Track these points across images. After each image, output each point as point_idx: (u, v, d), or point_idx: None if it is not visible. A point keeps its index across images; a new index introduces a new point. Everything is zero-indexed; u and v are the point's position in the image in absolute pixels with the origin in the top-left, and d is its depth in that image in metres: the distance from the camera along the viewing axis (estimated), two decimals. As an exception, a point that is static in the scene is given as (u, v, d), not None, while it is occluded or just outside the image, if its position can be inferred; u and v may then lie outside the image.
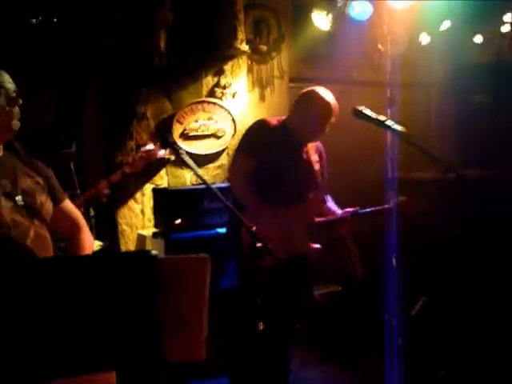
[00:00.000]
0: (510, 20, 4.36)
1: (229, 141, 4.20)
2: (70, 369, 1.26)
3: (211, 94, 4.19)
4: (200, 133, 4.12)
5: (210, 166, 4.19)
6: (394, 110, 3.81)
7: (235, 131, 4.20)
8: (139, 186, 3.96)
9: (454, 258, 3.92)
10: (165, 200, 3.67)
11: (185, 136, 4.05)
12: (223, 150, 4.24)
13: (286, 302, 2.86)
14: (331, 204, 3.07)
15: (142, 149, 3.17)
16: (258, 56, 4.43)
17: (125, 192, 3.87)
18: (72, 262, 1.25)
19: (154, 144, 3.17)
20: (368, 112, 2.51)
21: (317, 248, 2.87)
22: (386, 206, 3.00)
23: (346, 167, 4.56)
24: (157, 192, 3.85)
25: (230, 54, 4.17)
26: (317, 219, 2.94)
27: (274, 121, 2.87)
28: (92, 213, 3.40)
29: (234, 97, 4.27)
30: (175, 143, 1.97)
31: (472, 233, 3.97)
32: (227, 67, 4.23)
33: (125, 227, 3.90)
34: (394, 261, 3.75)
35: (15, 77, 2.08)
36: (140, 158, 2.96)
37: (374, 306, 3.94)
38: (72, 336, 1.24)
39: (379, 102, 3.58)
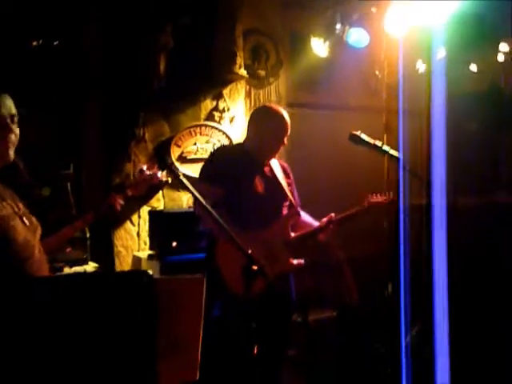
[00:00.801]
0: (505, 49, 4.43)
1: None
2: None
3: (209, 117, 4.23)
4: (198, 156, 4.13)
5: (207, 189, 4.20)
6: (389, 134, 3.86)
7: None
8: (136, 208, 3.96)
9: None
10: (161, 222, 3.67)
11: (183, 159, 4.07)
12: (220, 174, 4.25)
13: (276, 326, 2.83)
14: (307, 217, 3.07)
15: (146, 172, 3.14)
16: (256, 81, 4.48)
17: (122, 214, 3.87)
18: (67, 281, 1.24)
19: (152, 166, 3.17)
20: (364, 137, 2.53)
21: (298, 263, 2.85)
22: (360, 207, 2.99)
23: (342, 191, 4.58)
24: (153, 214, 3.84)
25: (228, 78, 4.22)
26: (294, 234, 2.93)
27: (232, 146, 2.91)
28: (88, 234, 3.40)
29: (231, 121, 4.31)
30: (173, 164, 1.97)
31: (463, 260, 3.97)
32: (226, 91, 4.27)
33: (120, 249, 3.88)
34: (389, 287, 3.76)
35: (14, 98, 2.10)
36: (143, 181, 2.95)
37: (368, 332, 3.93)
38: (65, 356, 1.23)
39: (376, 128, 3.63)
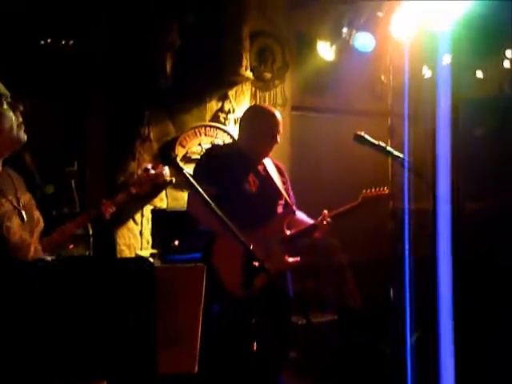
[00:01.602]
0: (511, 56, 4.43)
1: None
2: (60, 373, 1.24)
3: (214, 118, 4.24)
4: (202, 157, 4.14)
5: (211, 189, 4.21)
6: (395, 138, 3.86)
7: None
8: (139, 207, 3.97)
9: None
10: (163, 221, 3.68)
11: (187, 159, 4.08)
12: (224, 174, 4.26)
13: (275, 324, 2.82)
14: (303, 216, 3.07)
15: (151, 170, 3.14)
16: (261, 83, 4.49)
17: (125, 213, 3.88)
18: (68, 265, 1.24)
19: (157, 165, 3.18)
20: (368, 137, 2.53)
21: (294, 261, 2.85)
22: (355, 203, 3.02)
23: (348, 195, 4.57)
24: (156, 213, 3.85)
25: (234, 80, 4.23)
26: (289, 232, 2.92)
27: (224, 145, 2.91)
28: (90, 231, 3.40)
29: (236, 122, 4.31)
30: (176, 159, 1.97)
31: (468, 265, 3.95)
32: (231, 93, 4.29)
33: (123, 247, 3.89)
34: (391, 291, 3.75)
35: (19, 96, 2.10)
36: (147, 180, 2.96)
37: (369, 335, 3.91)
38: (64, 341, 1.23)
39: (381, 132, 3.62)
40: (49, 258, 1.92)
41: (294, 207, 3.06)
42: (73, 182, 3.57)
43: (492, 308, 3.77)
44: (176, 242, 3.56)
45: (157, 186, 3.12)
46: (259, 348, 2.02)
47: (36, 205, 1.96)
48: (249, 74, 4.23)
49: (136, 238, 3.93)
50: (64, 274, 1.20)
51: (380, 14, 3.89)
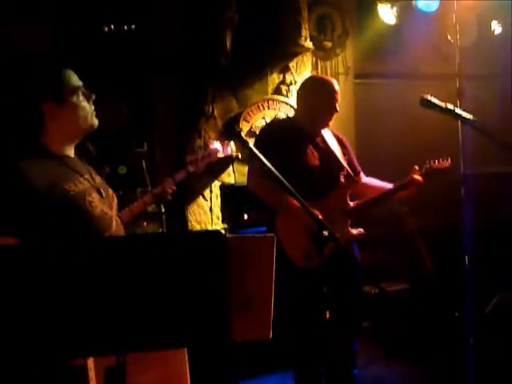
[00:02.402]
0: None
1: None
2: (137, 344, 1.31)
3: (277, 91, 4.24)
4: (266, 130, 4.17)
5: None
6: (463, 101, 3.71)
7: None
8: (208, 183, 4.05)
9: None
10: (232, 196, 3.74)
11: (251, 133, 4.11)
12: (289, 147, 4.27)
13: (346, 293, 2.81)
14: (373, 181, 3.02)
15: (206, 149, 3.20)
16: (322, 53, 4.44)
17: (195, 190, 3.98)
18: (142, 239, 1.31)
19: (221, 142, 3.23)
20: (436, 101, 2.45)
21: (358, 232, 2.81)
22: (427, 169, 2.97)
23: (415, 162, 4.47)
24: (224, 188, 3.92)
25: (294, 51, 4.20)
26: (353, 203, 2.87)
27: (283, 119, 2.87)
28: (163, 210, 3.53)
29: (299, 94, 4.29)
30: (241, 132, 2.00)
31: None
32: (292, 64, 4.26)
33: (194, 224, 4.00)
34: (466, 259, 3.66)
35: (89, 81, 2.17)
36: (202, 158, 3.01)
37: (443, 303, 3.85)
38: (141, 312, 1.29)
39: (448, 96, 3.49)
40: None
41: (362, 175, 3.02)
42: (143, 162, 3.70)
43: None
44: (246, 216, 3.62)
45: (214, 163, 3.17)
46: (332, 316, 2.05)
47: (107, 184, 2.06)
48: (309, 44, 4.19)
49: (206, 214, 4.03)
50: (138, 248, 1.27)
51: (443, -30, 3.73)
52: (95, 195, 1.89)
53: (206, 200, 4.03)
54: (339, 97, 2.88)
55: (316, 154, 2.84)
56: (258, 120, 4.14)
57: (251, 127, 4.12)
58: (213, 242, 1.27)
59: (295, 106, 4.21)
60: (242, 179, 4.12)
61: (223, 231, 1.25)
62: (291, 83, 4.23)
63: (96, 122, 1.95)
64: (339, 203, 2.82)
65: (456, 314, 3.37)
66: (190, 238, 1.30)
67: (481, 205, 3.69)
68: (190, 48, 3.85)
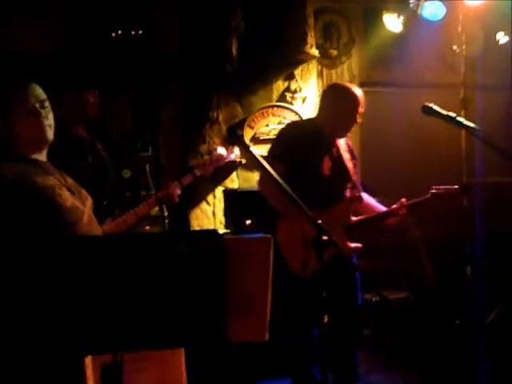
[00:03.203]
0: None
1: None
2: (135, 343, 1.32)
3: (281, 98, 4.25)
4: (271, 137, 4.17)
5: (280, 169, 4.24)
6: (468, 111, 3.72)
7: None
8: (211, 188, 4.07)
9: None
10: (235, 201, 3.75)
11: (255, 140, 4.13)
12: (293, 154, 4.28)
13: (344, 301, 2.81)
14: (370, 200, 3.02)
15: (214, 153, 3.22)
16: (327, 60, 4.45)
17: (198, 194, 4.00)
18: (140, 239, 1.32)
19: (226, 148, 3.25)
20: (437, 108, 2.46)
21: (355, 247, 2.80)
22: (424, 198, 2.92)
23: (418, 171, 4.47)
24: (227, 193, 3.94)
25: (299, 58, 4.22)
26: (355, 218, 2.87)
27: (302, 122, 2.87)
28: (165, 213, 3.55)
29: (303, 101, 4.31)
30: (243, 137, 2.01)
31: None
32: (297, 72, 4.28)
33: (197, 228, 4.01)
34: (468, 269, 3.65)
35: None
36: (210, 162, 3.03)
37: (444, 313, 3.84)
38: (139, 312, 1.31)
39: (453, 105, 3.50)
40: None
41: (360, 192, 3.00)
42: (147, 166, 3.73)
43: None
44: (248, 222, 3.63)
45: (221, 168, 3.19)
46: (332, 324, 2.05)
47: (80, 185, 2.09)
48: (314, 51, 4.20)
49: (209, 219, 4.04)
50: (137, 247, 1.28)
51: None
52: (65, 191, 1.92)
53: (208, 205, 4.05)
54: (363, 108, 2.85)
55: (330, 163, 2.83)
56: (262, 127, 4.16)
57: (255, 133, 4.14)
58: (210, 241, 1.28)
59: (300, 113, 4.25)
60: (246, 185, 4.14)
61: (220, 231, 1.26)
62: (296, 91, 4.25)
63: (50, 136, 1.97)
64: (342, 216, 2.81)
65: (457, 322, 3.36)
66: (187, 237, 1.31)
67: (484, 214, 3.70)
68: (195, 54, 3.88)
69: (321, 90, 4.38)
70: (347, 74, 4.56)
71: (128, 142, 3.89)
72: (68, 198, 1.89)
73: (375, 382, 3.52)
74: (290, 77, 4.26)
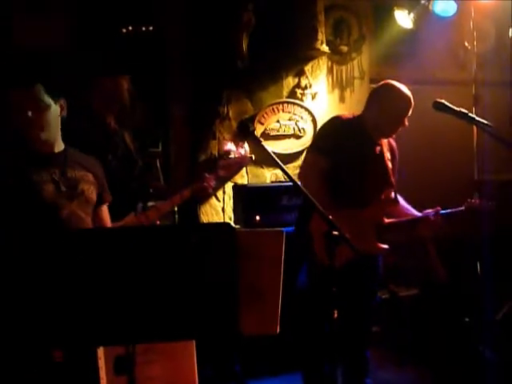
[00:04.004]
0: None
1: (309, 141, 4.24)
2: (147, 335, 1.34)
3: (291, 94, 4.26)
4: (281, 133, 4.20)
5: (290, 165, 4.21)
6: (479, 108, 3.70)
7: (315, 131, 4.23)
8: (221, 184, 4.08)
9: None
10: (244, 197, 3.76)
11: (266, 136, 4.14)
12: (303, 150, 4.27)
13: (360, 298, 2.81)
14: (405, 204, 2.96)
15: (235, 153, 3.13)
16: (338, 57, 4.44)
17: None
18: (154, 231, 1.33)
19: (235, 144, 3.22)
20: (449, 104, 2.46)
21: (384, 248, 2.77)
22: (458, 209, 2.91)
23: (430, 168, 4.46)
24: (237, 189, 3.95)
25: (310, 55, 4.22)
26: (388, 220, 2.83)
27: (348, 117, 2.82)
28: (175, 209, 3.56)
29: (314, 98, 4.31)
30: (254, 131, 2.00)
31: None
32: (307, 68, 4.28)
33: (206, 224, 4.03)
34: (478, 266, 3.64)
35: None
36: (235, 163, 3.01)
37: (453, 309, 3.83)
38: (151, 304, 1.32)
39: (464, 102, 3.48)
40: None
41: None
42: (157, 161, 3.74)
43: None
44: (258, 218, 3.64)
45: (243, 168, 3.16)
46: (343, 321, 2.04)
47: (96, 184, 2.14)
48: (325, 48, 4.20)
49: (219, 215, 4.05)
50: (150, 239, 1.30)
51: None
52: (50, 185, 1.99)
53: (218, 200, 4.06)
54: (411, 111, 2.79)
55: (371, 164, 2.77)
56: (273, 123, 4.17)
57: (265, 129, 4.15)
58: (223, 233, 1.29)
59: (310, 109, 4.25)
60: (255, 180, 4.15)
61: (232, 224, 1.27)
62: (306, 87, 4.25)
63: (42, 136, 2.03)
64: (376, 216, 2.77)
65: (466, 319, 3.36)
66: (200, 229, 1.32)
67: (494, 212, 3.68)
68: (206, 50, 3.89)
69: (331, 86, 4.39)
70: (357, 70, 4.54)
71: (138, 137, 3.91)
72: (49, 195, 1.97)
73: (385, 378, 3.52)
74: (301, 73, 4.26)
